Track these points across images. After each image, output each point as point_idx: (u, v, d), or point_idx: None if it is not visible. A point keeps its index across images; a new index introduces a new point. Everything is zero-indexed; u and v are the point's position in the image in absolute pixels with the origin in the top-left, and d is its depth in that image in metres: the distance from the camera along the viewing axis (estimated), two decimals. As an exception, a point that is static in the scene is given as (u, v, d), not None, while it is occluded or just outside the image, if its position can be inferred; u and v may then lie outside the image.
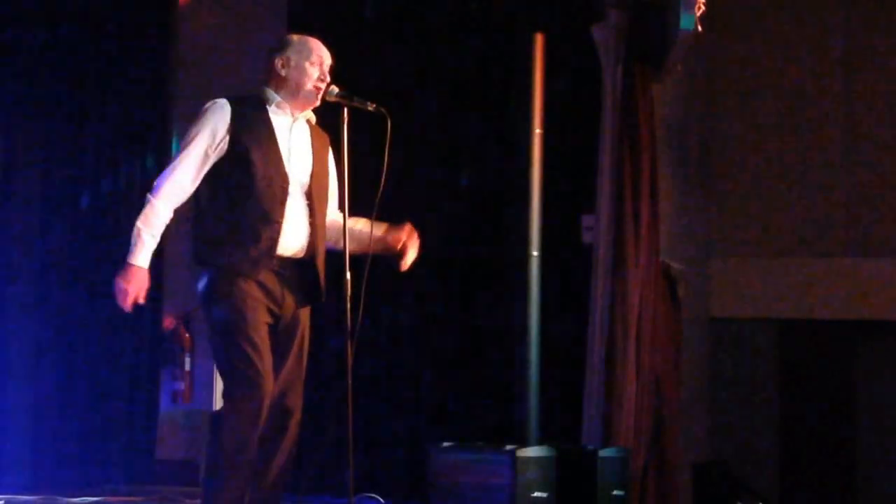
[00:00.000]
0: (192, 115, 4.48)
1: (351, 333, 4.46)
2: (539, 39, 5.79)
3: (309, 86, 4.50)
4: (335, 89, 4.54)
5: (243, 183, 4.37)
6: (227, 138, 4.38)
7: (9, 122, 7.22)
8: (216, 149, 4.38)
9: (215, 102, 4.44)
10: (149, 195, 4.37)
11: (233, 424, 4.30)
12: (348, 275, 4.48)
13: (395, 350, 6.70)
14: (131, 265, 4.36)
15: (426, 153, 6.77)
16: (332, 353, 6.24)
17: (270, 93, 4.51)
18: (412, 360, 6.69)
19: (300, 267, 4.50)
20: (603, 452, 5.31)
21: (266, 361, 4.35)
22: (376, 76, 6.83)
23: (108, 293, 7.50)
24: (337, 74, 4.66)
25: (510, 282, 6.33)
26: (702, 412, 6.80)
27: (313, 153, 4.56)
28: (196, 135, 4.38)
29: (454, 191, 6.74)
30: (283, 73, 4.50)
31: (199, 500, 4.45)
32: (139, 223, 4.35)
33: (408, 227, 4.69)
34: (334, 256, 4.61)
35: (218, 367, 4.41)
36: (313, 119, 4.61)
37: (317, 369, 6.83)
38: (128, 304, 4.37)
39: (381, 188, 4.56)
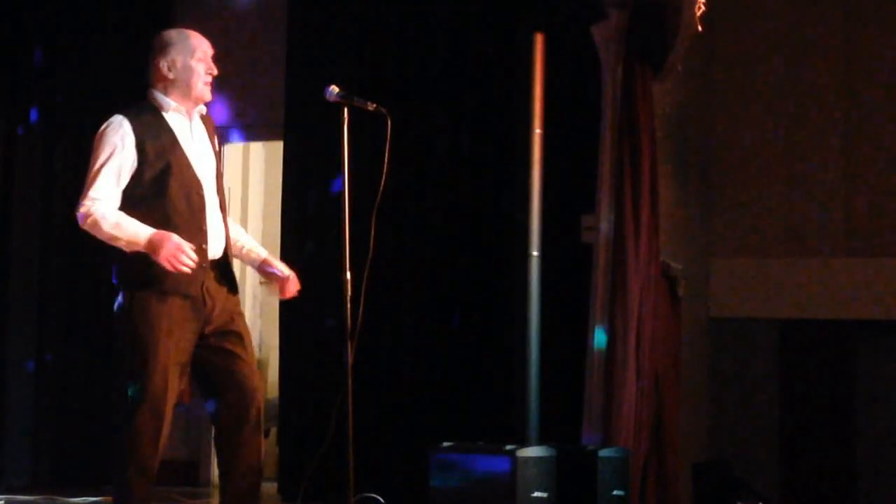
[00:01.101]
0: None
1: (351, 333, 4.46)
2: (539, 39, 5.79)
3: (199, 84, 4.44)
4: (335, 89, 4.54)
5: (161, 199, 4.31)
6: (134, 155, 4.31)
7: (9, 122, 7.22)
8: (126, 171, 4.31)
9: (111, 122, 4.37)
10: (92, 216, 4.25)
11: (134, 451, 4.34)
12: (348, 275, 4.49)
13: (395, 350, 6.70)
14: (149, 237, 4.22)
15: (426, 153, 6.77)
16: (332, 354, 6.24)
17: (163, 98, 4.44)
18: (412, 360, 6.69)
19: (219, 265, 4.47)
20: (603, 452, 5.31)
21: (172, 388, 4.33)
22: (376, 76, 6.83)
23: (108, 293, 7.53)
24: (337, 74, 4.67)
25: (510, 282, 6.33)
26: (702, 412, 6.79)
27: (212, 148, 4.55)
28: (106, 157, 4.29)
29: (454, 191, 6.74)
30: (170, 75, 4.43)
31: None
32: (108, 230, 4.24)
33: (283, 272, 4.60)
34: (334, 257, 4.60)
35: (121, 386, 4.40)
36: (204, 110, 4.56)
37: (317, 369, 6.85)
38: (187, 259, 4.22)
39: (381, 188, 4.56)
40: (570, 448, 5.40)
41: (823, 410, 6.78)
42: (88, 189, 4.29)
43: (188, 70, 4.43)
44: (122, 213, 4.28)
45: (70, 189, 7.41)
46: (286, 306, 6.99)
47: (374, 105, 4.55)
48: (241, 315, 4.56)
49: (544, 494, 5.10)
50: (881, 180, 6.81)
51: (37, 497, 6.54)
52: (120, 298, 4.39)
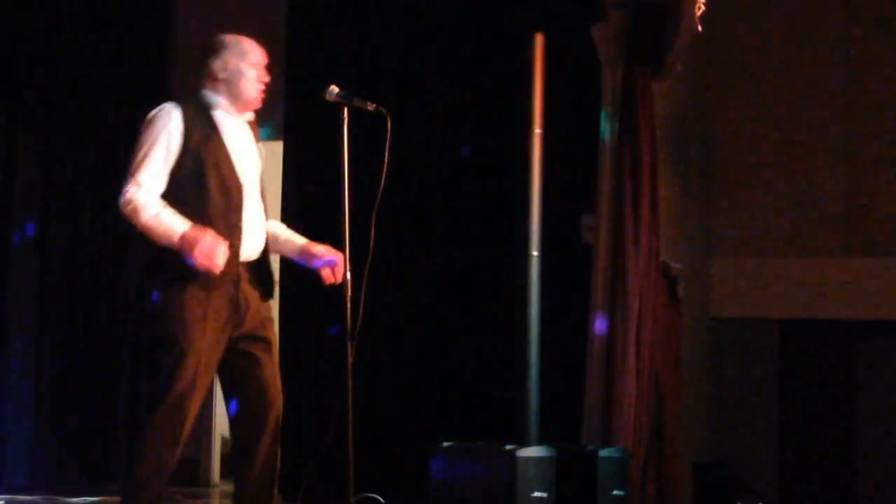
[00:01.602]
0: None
1: (351, 333, 4.46)
2: (539, 39, 5.79)
3: (249, 89, 4.46)
4: (335, 89, 4.54)
5: (199, 191, 4.32)
6: (180, 144, 4.33)
7: (8, 125, 7.22)
8: (171, 159, 4.32)
9: (162, 108, 4.38)
10: (133, 203, 4.25)
11: (151, 445, 4.29)
12: (348, 275, 4.49)
13: (396, 350, 6.70)
14: (184, 233, 4.20)
15: (426, 153, 6.77)
16: (332, 354, 6.24)
17: (213, 96, 4.46)
18: (412, 360, 6.69)
19: (255, 268, 4.48)
20: (603, 452, 5.31)
21: (200, 388, 4.32)
22: (376, 76, 6.83)
23: (108, 292, 7.54)
24: (337, 74, 4.67)
25: (510, 282, 6.33)
26: (702, 412, 6.80)
27: (258, 153, 4.57)
28: (154, 143, 4.31)
29: (454, 190, 6.74)
30: (221, 76, 4.45)
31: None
32: (146, 220, 4.22)
33: (326, 253, 4.59)
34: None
35: (152, 383, 4.38)
36: (252, 117, 4.58)
37: (317, 369, 6.85)
38: (219, 260, 4.21)
39: (381, 188, 4.56)
40: (570, 448, 5.40)
41: (823, 410, 6.78)
42: (134, 175, 4.28)
43: (239, 73, 4.45)
44: (163, 205, 4.27)
45: (70, 188, 7.42)
46: (286, 306, 7.00)
47: (374, 105, 4.55)
48: (272, 321, 4.55)
49: (544, 494, 5.10)
50: (881, 180, 6.81)
51: (37, 497, 6.53)
52: (154, 293, 4.35)
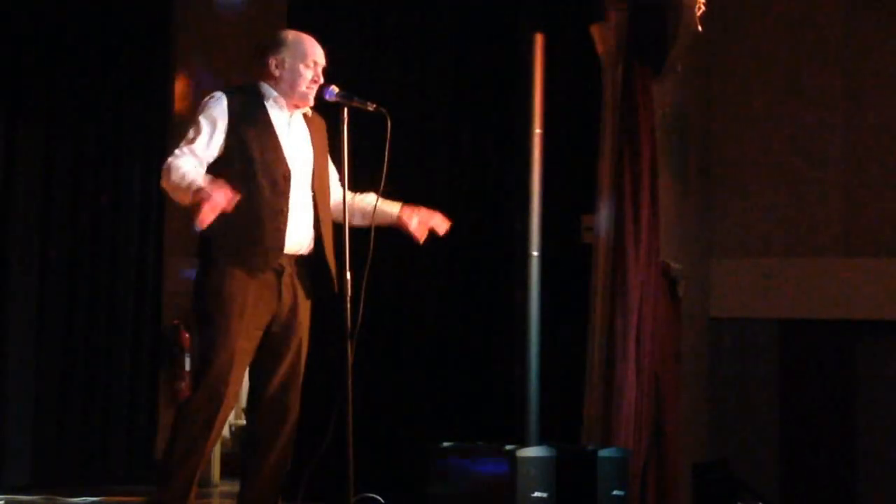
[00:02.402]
0: (192, 113, 4.47)
1: (351, 333, 4.46)
2: (539, 39, 5.79)
3: (303, 88, 4.50)
4: (335, 89, 4.54)
5: (245, 175, 4.34)
6: (227, 130, 4.37)
7: (7, 124, 7.21)
8: (218, 141, 4.36)
9: (213, 96, 4.44)
10: (168, 164, 4.26)
11: (185, 428, 4.30)
12: (348, 275, 4.49)
13: (396, 350, 6.70)
14: (201, 187, 4.16)
15: (426, 153, 6.76)
16: (332, 354, 6.24)
17: (267, 88, 4.51)
18: (412, 360, 6.69)
19: (304, 264, 4.49)
20: (603, 452, 5.31)
21: (237, 371, 4.33)
22: (376, 76, 6.83)
23: (108, 293, 7.53)
24: (337, 74, 4.67)
25: (510, 282, 6.33)
26: (702, 412, 6.79)
27: (314, 148, 4.56)
28: (200, 127, 4.36)
29: (454, 191, 6.74)
30: (276, 72, 4.50)
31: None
32: (175, 177, 4.21)
33: (424, 215, 4.65)
34: (334, 258, 4.61)
35: (193, 368, 4.42)
36: (310, 112, 4.60)
37: (317, 369, 6.84)
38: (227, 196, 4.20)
39: (381, 188, 4.57)
40: (570, 448, 5.40)
41: (823, 410, 6.78)
42: (175, 149, 4.34)
43: (294, 72, 4.48)
44: (195, 168, 4.27)
45: (70, 188, 7.42)
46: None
47: (374, 105, 4.55)
48: (307, 328, 4.58)
49: (544, 494, 5.10)
50: (881, 180, 6.81)
51: (37, 497, 6.53)
52: (200, 272, 4.37)
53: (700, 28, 5.82)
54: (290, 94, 4.50)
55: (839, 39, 6.89)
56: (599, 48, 5.91)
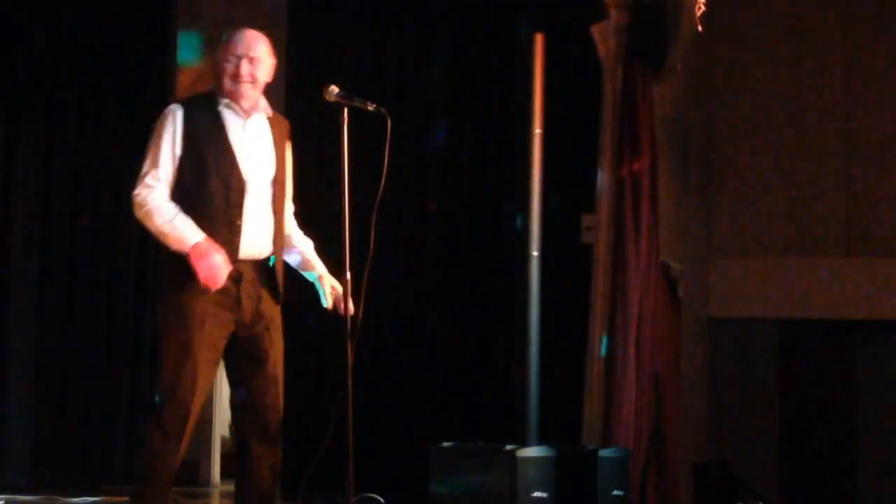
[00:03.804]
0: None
1: (351, 333, 4.46)
2: (539, 39, 5.79)
3: (227, 83, 4.44)
4: (335, 89, 4.54)
5: (198, 187, 4.34)
6: (182, 142, 4.36)
7: (8, 124, 7.22)
8: (177, 156, 4.36)
9: (168, 110, 4.41)
10: (146, 207, 4.31)
11: (153, 436, 4.34)
12: (348, 275, 4.48)
13: (396, 350, 6.70)
14: (196, 243, 4.26)
15: (426, 153, 6.77)
16: (332, 354, 6.24)
17: (218, 93, 4.48)
18: (412, 360, 6.69)
19: (260, 268, 4.48)
20: (603, 452, 5.31)
21: (202, 382, 4.35)
22: (376, 76, 6.83)
23: (108, 292, 7.53)
24: (337, 74, 4.66)
25: (510, 282, 6.33)
26: (702, 412, 6.79)
27: (275, 151, 4.54)
28: (159, 144, 4.36)
29: (454, 190, 6.74)
30: (217, 71, 4.49)
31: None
32: (160, 224, 4.29)
33: (331, 286, 4.62)
34: (334, 258, 4.61)
35: (156, 382, 4.42)
36: (270, 111, 4.57)
37: (317, 369, 6.84)
38: (221, 277, 4.29)
39: (380, 188, 4.56)
40: (570, 448, 5.40)
41: (823, 410, 6.78)
42: (144, 177, 4.35)
43: (218, 67, 4.47)
44: (176, 209, 4.32)
45: (70, 188, 7.42)
46: (286, 307, 6.99)
47: (374, 105, 4.54)
48: (278, 327, 4.55)
49: (544, 494, 5.10)
50: (881, 181, 6.81)
51: (37, 497, 6.53)
52: (158, 284, 4.41)
53: (700, 28, 5.82)
54: (222, 92, 4.45)
55: (839, 39, 6.88)
56: (599, 48, 5.91)
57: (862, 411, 6.73)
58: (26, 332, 7.16)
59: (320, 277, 4.64)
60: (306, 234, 4.79)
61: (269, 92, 4.60)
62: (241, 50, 4.45)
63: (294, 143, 7.13)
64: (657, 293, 5.89)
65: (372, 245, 4.58)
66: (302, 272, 4.70)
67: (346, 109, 4.52)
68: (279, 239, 4.53)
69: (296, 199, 7.07)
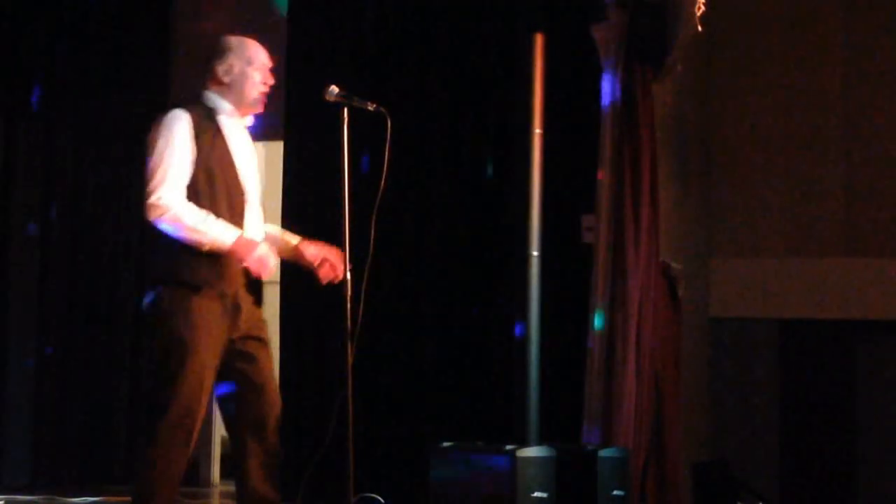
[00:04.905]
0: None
1: (351, 333, 4.46)
2: (539, 39, 5.79)
3: (254, 94, 4.47)
4: (335, 89, 4.54)
5: (206, 194, 4.33)
6: (192, 149, 4.33)
7: (8, 121, 7.22)
8: (189, 160, 4.33)
9: (172, 114, 4.36)
10: (171, 211, 4.26)
11: (159, 442, 4.29)
12: (348, 275, 4.48)
13: (396, 350, 6.70)
14: (238, 238, 4.25)
15: (426, 153, 6.76)
16: (333, 354, 6.24)
17: (217, 99, 4.46)
18: (412, 360, 6.69)
19: (248, 274, 4.48)
20: (603, 452, 5.31)
21: (207, 386, 4.34)
22: (376, 76, 6.83)
23: (108, 293, 7.52)
24: (337, 75, 4.66)
25: (510, 282, 6.33)
26: (702, 412, 6.79)
27: (256, 159, 4.58)
28: (170, 147, 4.30)
29: (454, 190, 6.74)
30: (226, 79, 4.46)
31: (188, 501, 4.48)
32: (193, 225, 4.24)
33: (320, 252, 4.59)
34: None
35: (157, 386, 4.38)
36: (251, 121, 4.59)
37: (317, 369, 6.85)
38: (271, 266, 4.32)
39: (381, 188, 4.56)
40: (570, 448, 5.40)
41: (823, 410, 6.78)
42: (163, 180, 4.27)
43: (244, 76, 4.45)
44: (203, 211, 4.29)
45: (70, 185, 7.42)
46: (286, 307, 7.00)
47: (374, 105, 4.55)
48: (265, 324, 4.57)
49: (544, 494, 5.10)
50: (881, 181, 6.80)
51: (37, 497, 6.53)
52: (154, 294, 4.35)
53: (700, 28, 5.82)
54: (240, 102, 4.46)
55: (839, 39, 6.88)
56: (600, 48, 5.91)
57: (862, 411, 6.73)
58: (26, 332, 7.16)
59: (297, 248, 4.59)
60: (305, 234, 4.79)
61: (269, 92, 4.61)
62: (266, 61, 4.50)
63: (294, 143, 7.17)
64: (657, 293, 5.88)
65: (372, 245, 4.58)
66: (284, 258, 4.67)
67: (346, 109, 4.52)
68: (268, 239, 4.57)
69: (295, 199, 7.10)
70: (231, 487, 4.68)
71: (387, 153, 4.53)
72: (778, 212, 6.91)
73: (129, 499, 4.42)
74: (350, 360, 4.44)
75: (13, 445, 7.04)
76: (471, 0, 6.77)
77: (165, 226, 4.28)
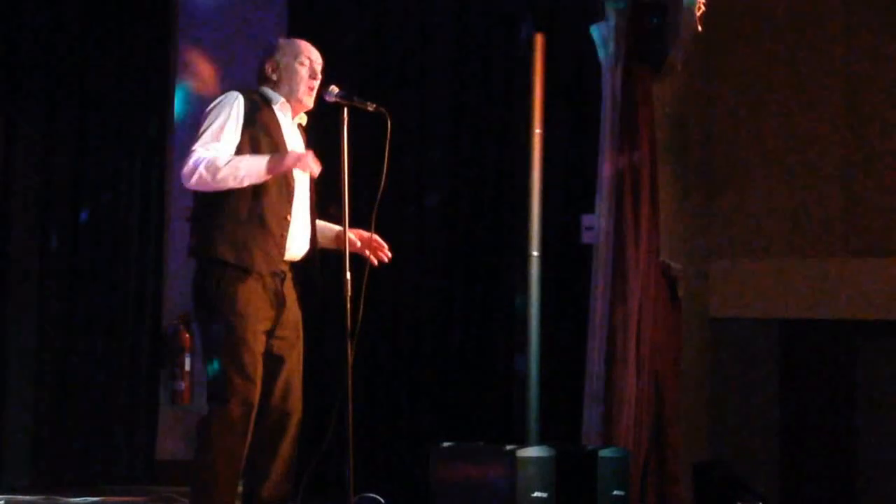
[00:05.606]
0: (205, 109, 4.43)
1: (351, 333, 4.46)
2: (539, 39, 5.79)
3: (302, 87, 4.51)
4: (335, 89, 4.55)
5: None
6: (241, 130, 4.39)
7: (8, 121, 7.21)
8: (234, 141, 4.38)
9: (227, 95, 4.44)
10: (204, 160, 4.26)
11: (221, 433, 4.29)
12: (348, 275, 4.49)
13: (396, 350, 6.70)
14: (270, 158, 4.29)
15: (426, 153, 6.77)
16: (332, 354, 6.24)
17: (271, 92, 4.54)
18: (412, 360, 6.69)
19: (299, 267, 4.51)
20: (603, 452, 5.31)
21: (259, 370, 4.35)
22: (376, 76, 6.83)
23: (108, 293, 7.52)
24: (337, 74, 4.66)
25: (510, 282, 6.33)
26: (702, 412, 6.79)
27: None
28: (217, 122, 4.36)
29: (454, 190, 6.74)
30: (274, 77, 4.52)
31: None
32: (228, 167, 4.25)
33: (363, 237, 4.63)
34: (335, 257, 4.62)
35: (209, 370, 4.38)
36: (304, 120, 4.63)
37: (317, 369, 6.84)
38: (311, 162, 4.37)
39: (381, 188, 4.57)
40: (570, 448, 5.40)
41: (823, 410, 6.78)
42: (196, 146, 4.32)
43: (290, 71, 4.51)
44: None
45: (70, 188, 7.42)
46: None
47: (374, 105, 4.55)
48: (301, 329, 4.57)
49: (544, 494, 5.10)
50: (881, 181, 6.81)
51: (37, 497, 6.53)
52: (206, 276, 4.35)
53: (700, 28, 5.82)
54: (291, 95, 4.52)
55: (839, 39, 6.88)
56: (599, 48, 5.91)
57: (862, 411, 6.73)
58: (26, 332, 7.16)
59: (340, 236, 4.59)
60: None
61: (317, 88, 4.63)
62: (313, 55, 4.55)
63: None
64: (657, 293, 5.88)
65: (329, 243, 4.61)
66: (331, 247, 4.68)
67: (346, 109, 4.53)
68: (315, 240, 4.57)
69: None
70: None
71: (387, 153, 4.53)
72: (778, 212, 6.91)
73: (128, 499, 4.42)
74: (350, 359, 4.44)
75: (13, 445, 7.04)
76: (471, 0, 6.77)
77: (206, 176, 4.26)
